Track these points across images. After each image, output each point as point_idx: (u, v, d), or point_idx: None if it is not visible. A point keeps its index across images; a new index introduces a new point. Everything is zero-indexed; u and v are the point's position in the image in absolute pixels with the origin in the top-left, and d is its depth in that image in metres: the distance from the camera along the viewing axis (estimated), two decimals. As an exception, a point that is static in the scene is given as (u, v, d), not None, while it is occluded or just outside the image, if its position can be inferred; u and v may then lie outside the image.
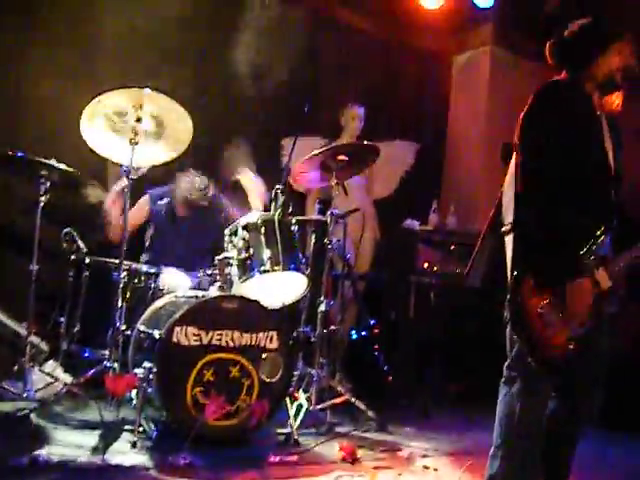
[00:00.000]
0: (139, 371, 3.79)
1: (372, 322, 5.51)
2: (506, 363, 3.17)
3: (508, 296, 3.01)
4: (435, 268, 6.02)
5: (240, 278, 4.24)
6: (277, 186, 4.49)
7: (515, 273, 2.98)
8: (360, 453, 3.98)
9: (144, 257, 5.05)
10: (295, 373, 4.52)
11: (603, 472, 4.24)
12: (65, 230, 4.56)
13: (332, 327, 4.87)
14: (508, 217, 3.10)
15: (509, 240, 3.06)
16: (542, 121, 3.08)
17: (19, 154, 4.10)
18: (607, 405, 5.81)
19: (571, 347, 2.98)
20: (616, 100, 3.23)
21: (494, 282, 3.22)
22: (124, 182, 4.35)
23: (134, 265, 4.47)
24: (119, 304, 4.15)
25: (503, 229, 3.11)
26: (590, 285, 2.98)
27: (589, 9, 3.30)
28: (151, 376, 3.74)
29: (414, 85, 6.82)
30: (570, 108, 3.09)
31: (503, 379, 3.17)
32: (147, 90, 4.07)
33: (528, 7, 6.21)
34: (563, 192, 3.00)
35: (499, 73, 6.89)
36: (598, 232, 3.05)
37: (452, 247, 6.11)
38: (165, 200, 5.13)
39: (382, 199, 6.53)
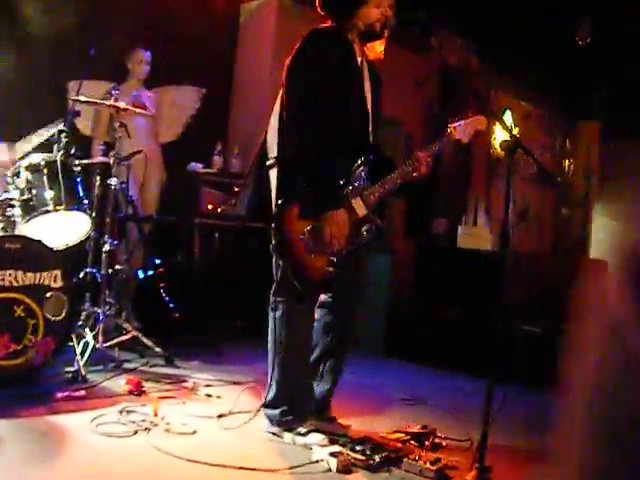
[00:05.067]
0: None
1: (158, 262, 5.67)
2: (271, 290, 3.48)
3: (273, 224, 3.30)
4: (219, 209, 6.24)
5: (23, 219, 4.23)
6: (60, 128, 4.49)
7: (279, 202, 3.27)
8: (146, 386, 4.15)
9: None
10: (81, 312, 4.61)
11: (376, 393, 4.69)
12: None
13: (117, 267, 4.96)
14: (272, 152, 3.38)
15: (273, 173, 3.34)
16: (304, 66, 3.37)
17: None
18: (387, 335, 6.41)
19: (330, 270, 3.33)
20: (379, 48, 3.56)
21: (257, 211, 3.50)
22: None
23: None
24: None
25: (267, 163, 3.38)
26: (345, 216, 3.33)
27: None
28: None
29: (201, 31, 6.87)
30: (331, 54, 3.40)
31: (269, 306, 3.48)
32: None
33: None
34: (322, 132, 3.29)
35: (285, 22, 7.01)
36: (354, 167, 3.40)
37: (235, 189, 6.34)
38: None
39: (168, 143, 6.60)
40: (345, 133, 3.41)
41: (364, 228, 3.42)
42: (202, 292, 5.95)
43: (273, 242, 3.34)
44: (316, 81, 3.32)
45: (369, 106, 3.53)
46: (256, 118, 6.95)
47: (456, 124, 3.49)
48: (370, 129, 3.54)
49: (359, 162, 3.42)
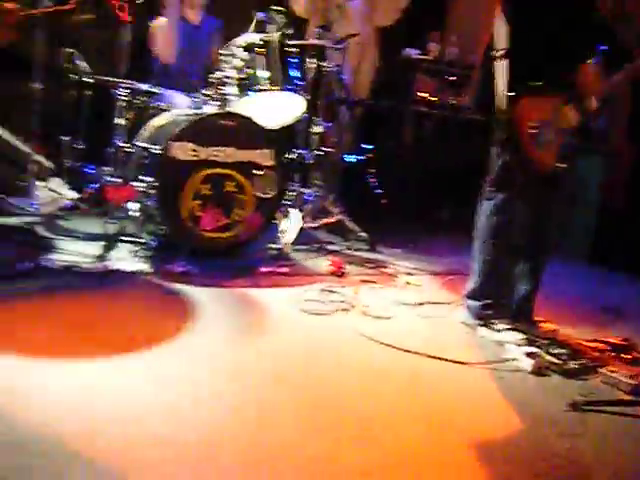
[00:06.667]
0: (139, 185, 3.94)
1: (367, 147, 5.65)
2: (488, 180, 3.34)
3: (501, 117, 3.15)
4: (432, 98, 6.08)
5: (237, 97, 4.31)
6: (275, 8, 4.49)
7: (509, 95, 3.11)
8: (348, 268, 4.21)
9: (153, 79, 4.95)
10: (290, 192, 4.70)
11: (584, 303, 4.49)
12: (66, 50, 4.60)
13: (327, 149, 4.98)
14: (500, 44, 3.18)
15: (500, 65, 3.16)
16: None
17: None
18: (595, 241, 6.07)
19: (561, 166, 3.18)
20: None
21: (486, 104, 3.35)
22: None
23: (135, 84, 4.47)
24: (119, 122, 4.24)
25: (496, 54, 3.19)
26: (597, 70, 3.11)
27: None
28: (150, 190, 3.91)
29: None
30: None
31: (484, 195, 3.35)
32: None
33: None
34: (554, 20, 3.08)
35: None
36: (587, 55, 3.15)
37: (450, 78, 6.13)
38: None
39: (384, 27, 6.47)
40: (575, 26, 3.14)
41: (595, 119, 3.22)
42: (410, 180, 5.90)
43: (501, 136, 3.21)
44: None
45: None
46: (476, 7, 6.64)
47: None
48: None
49: (590, 51, 3.14)
